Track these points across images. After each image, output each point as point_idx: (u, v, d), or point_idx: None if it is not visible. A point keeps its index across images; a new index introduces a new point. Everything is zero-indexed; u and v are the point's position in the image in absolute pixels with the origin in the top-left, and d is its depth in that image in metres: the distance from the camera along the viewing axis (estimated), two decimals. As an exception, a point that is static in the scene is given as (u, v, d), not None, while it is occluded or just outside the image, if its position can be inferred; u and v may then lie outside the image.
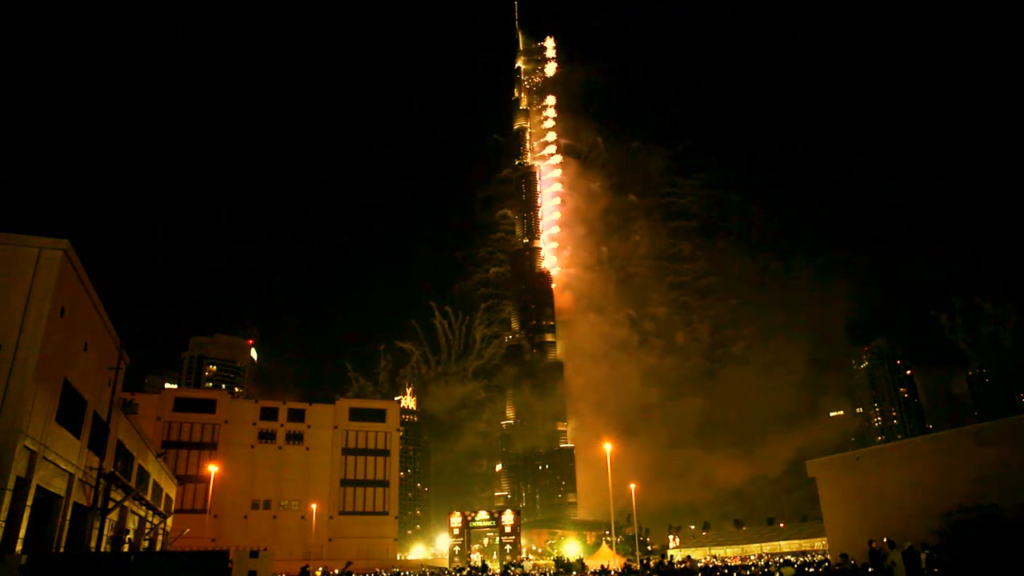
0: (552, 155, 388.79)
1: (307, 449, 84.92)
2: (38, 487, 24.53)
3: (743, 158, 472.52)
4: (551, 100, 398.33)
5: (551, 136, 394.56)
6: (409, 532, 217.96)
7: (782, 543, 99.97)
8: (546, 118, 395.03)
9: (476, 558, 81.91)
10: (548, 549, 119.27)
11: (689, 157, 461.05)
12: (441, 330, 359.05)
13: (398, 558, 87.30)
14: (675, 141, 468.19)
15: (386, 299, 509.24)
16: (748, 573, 41.75)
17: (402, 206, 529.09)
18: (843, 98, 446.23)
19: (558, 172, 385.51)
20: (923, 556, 25.44)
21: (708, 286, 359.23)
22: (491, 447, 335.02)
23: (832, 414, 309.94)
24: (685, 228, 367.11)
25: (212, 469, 64.24)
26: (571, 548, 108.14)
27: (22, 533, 22.96)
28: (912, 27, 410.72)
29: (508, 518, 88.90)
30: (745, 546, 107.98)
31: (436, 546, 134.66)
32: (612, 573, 50.60)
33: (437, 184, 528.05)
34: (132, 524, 42.70)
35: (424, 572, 77.09)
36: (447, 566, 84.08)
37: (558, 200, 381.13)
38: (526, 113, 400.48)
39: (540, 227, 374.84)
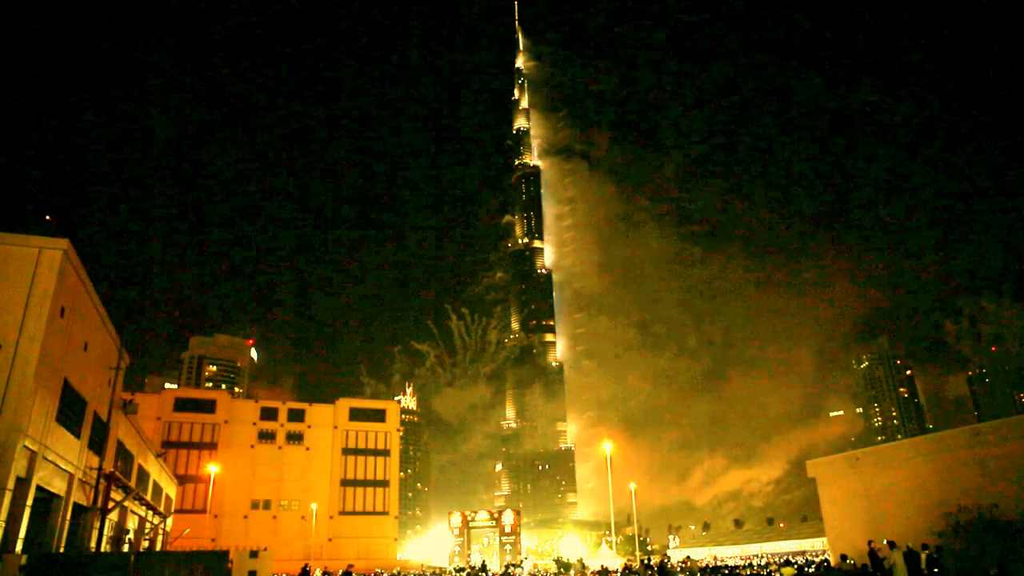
0: (557, 156, 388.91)
1: (307, 449, 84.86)
2: (38, 487, 24.52)
3: (751, 163, 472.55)
4: (557, 101, 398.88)
5: (556, 137, 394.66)
6: (409, 532, 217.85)
7: (782, 543, 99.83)
8: (553, 119, 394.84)
9: (476, 558, 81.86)
10: (548, 549, 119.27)
11: (700, 163, 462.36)
12: (457, 333, 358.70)
13: (398, 558, 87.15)
14: (686, 147, 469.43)
15: (398, 301, 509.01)
16: (748, 573, 41.76)
17: (413, 207, 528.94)
18: (848, 100, 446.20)
19: (564, 173, 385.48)
20: (923, 556, 25.42)
21: (717, 289, 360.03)
22: (493, 447, 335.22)
23: (832, 414, 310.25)
24: (695, 232, 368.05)
25: (212, 469, 64.13)
26: (571, 548, 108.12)
27: (22, 533, 22.96)
28: (919, 28, 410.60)
29: (508, 518, 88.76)
30: (745, 546, 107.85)
31: (436, 546, 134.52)
32: (612, 573, 50.57)
33: (448, 185, 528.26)
34: (132, 524, 42.69)
35: (424, 572, 77.04)
36: (447, 566, 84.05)
37: (563, 201, 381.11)
38: (527, 113, 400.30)
39: (543, 227, 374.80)
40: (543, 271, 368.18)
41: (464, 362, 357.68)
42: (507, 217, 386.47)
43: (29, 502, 23.46)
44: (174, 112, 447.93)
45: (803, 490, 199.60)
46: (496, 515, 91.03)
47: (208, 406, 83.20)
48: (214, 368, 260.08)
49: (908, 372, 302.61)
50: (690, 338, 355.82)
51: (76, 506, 29.61)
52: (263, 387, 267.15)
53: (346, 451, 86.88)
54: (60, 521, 27.54)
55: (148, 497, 46.10)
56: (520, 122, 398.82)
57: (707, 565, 47.55)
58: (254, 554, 41.11)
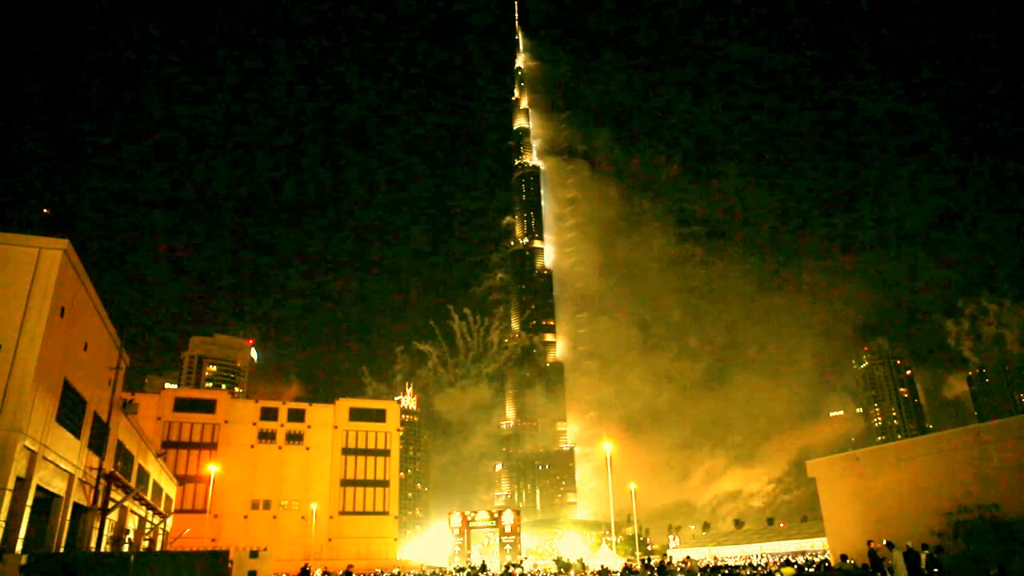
0: (558, 156, 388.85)
1: (307, 449, 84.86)
2: (38, 487, 24.52)
3: (753, 164, 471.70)
4: (558, 101, 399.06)
5: (556, 137, 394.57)
6: (409, 532, 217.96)
7: (782, 543, 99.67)
8: (554, 119, 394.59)
9: (476, 558, 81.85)
10: (548, 549, 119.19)
11: (701, 163, 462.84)
12: (459, 333, 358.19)
13: (398, 558, 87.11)
14: (688, 147, 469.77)
15: (400, 302, 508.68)
16: (748, 573, 41.75)
17: (416, 207, 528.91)
18: (850, 101, 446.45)
19: (565, 173, 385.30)
20: (923, 556, 25.41)
21: (718, 290, 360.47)
22: (493, 447, 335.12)
23: (832, 414, 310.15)
24: (696, 233, 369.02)
25: (212, 469, 64.19)
26: (571, 548, 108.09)
27: (22, 533, 22.96)
28: (920, 27, 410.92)
29: (508, 518, 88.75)
30: (745, 546, 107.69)
31: (436, 546, 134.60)
32: (612, 573, 50.56)
33: (450, 185, 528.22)
34: (132, 524, 42.70)
35: (424, 572, 77.06)
36: (447, 566, 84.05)
37: (564, 201, 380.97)
38: (527, 113, 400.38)
39: (543, 227, 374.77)
40: (543, 271, 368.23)
41: (466, 362, 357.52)
42: (507, 218, 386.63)
43: (29, 502, 23.45)
44: (175, 111, 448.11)
45: (803, 490, 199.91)
46: (496, 515, 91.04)
47: (208, 406, 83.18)
48: (214, 368, 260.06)
49: (908, 372, 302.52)
50: (691, 338, 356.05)
51: (76, 506, 29.61)
52: (265, 387, 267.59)
53: (346, 451, 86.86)
54: (60, 521, 27.53)
55: (148, 497, 46.10)
56: (520, 122, 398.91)
57: (707, 565, 47.51)
58: (254, 554, 41.11)
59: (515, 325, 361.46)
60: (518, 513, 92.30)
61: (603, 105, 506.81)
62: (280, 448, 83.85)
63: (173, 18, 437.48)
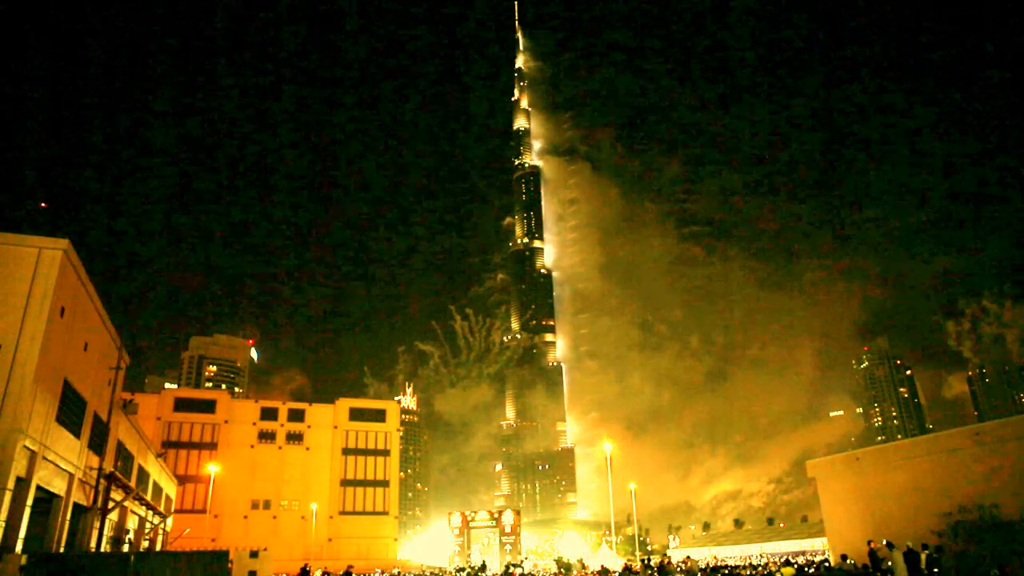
0: (559, 156, 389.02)
1: (307, 449, 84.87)
2: (38, 487, 24.53)
3: (753, 164, 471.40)
4: (558, 101, 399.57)
5: (557, 137, 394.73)
6: (409, 532, 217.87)
7: (782, 543, 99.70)
8: (554, 119, 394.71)
9: (476, 558, 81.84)
10: (548, 549, 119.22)
11: (702, 163, 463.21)
12: (461, 333, 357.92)
13: (398, 558, 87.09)
14: (689, 147, 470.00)
15: (403, 302, 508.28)
16: (748, 573, 41.77)
17: (418, 207, 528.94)
18: (848, 99, 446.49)
19: (566, 173, 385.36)
20: (923, 556, 25.43)
21: (719, 290, 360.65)
22: (493, 447, 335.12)
23: (832, 414, 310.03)
24: (697, 233, 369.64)
25: (212, 469, 64.19)
26: (571, 548, 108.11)
27: (22, 533, 22.97)
28: (918, 27, 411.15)
29: (508, 518, 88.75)
30: (745, 546, 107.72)
31: (436, 546, 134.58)
32: (612, 573, 50.55)
33: (452, 185, 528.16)
34: (132, 524, 42.72)
35: (424, 572, 77.04)
36: (447, 566, 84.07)
37: (564, 201, 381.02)
38: (527, 113, 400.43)
39: (543, 227, 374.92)
40: (543, 271, 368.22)
41: (468, 362, 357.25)
42: (507, 218, 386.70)
43: (29, 502, 23.46)
44: (174, 110, 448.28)
45: (803, 490, 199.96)
46: (496, 515, 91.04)
47: (208, 406, 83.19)
48: (214, 368, 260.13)
49: (908, 372, 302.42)
50: (692, 338, 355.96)
51: (76, 506, 29.61)
52: (265, 387, 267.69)
53: (346, 451, 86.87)
54: (60, 521, 27.54)
55: (148, 497, 46.11)
56: (520, 122, 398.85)
57: (707, 565, 47.52)
58: (254, 554, 41.05)
59: (515, 325, 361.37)
60: (518, 513, 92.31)
61: (603, 105, 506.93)
62: (280, 448, 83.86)
63: (171, 8, 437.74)
